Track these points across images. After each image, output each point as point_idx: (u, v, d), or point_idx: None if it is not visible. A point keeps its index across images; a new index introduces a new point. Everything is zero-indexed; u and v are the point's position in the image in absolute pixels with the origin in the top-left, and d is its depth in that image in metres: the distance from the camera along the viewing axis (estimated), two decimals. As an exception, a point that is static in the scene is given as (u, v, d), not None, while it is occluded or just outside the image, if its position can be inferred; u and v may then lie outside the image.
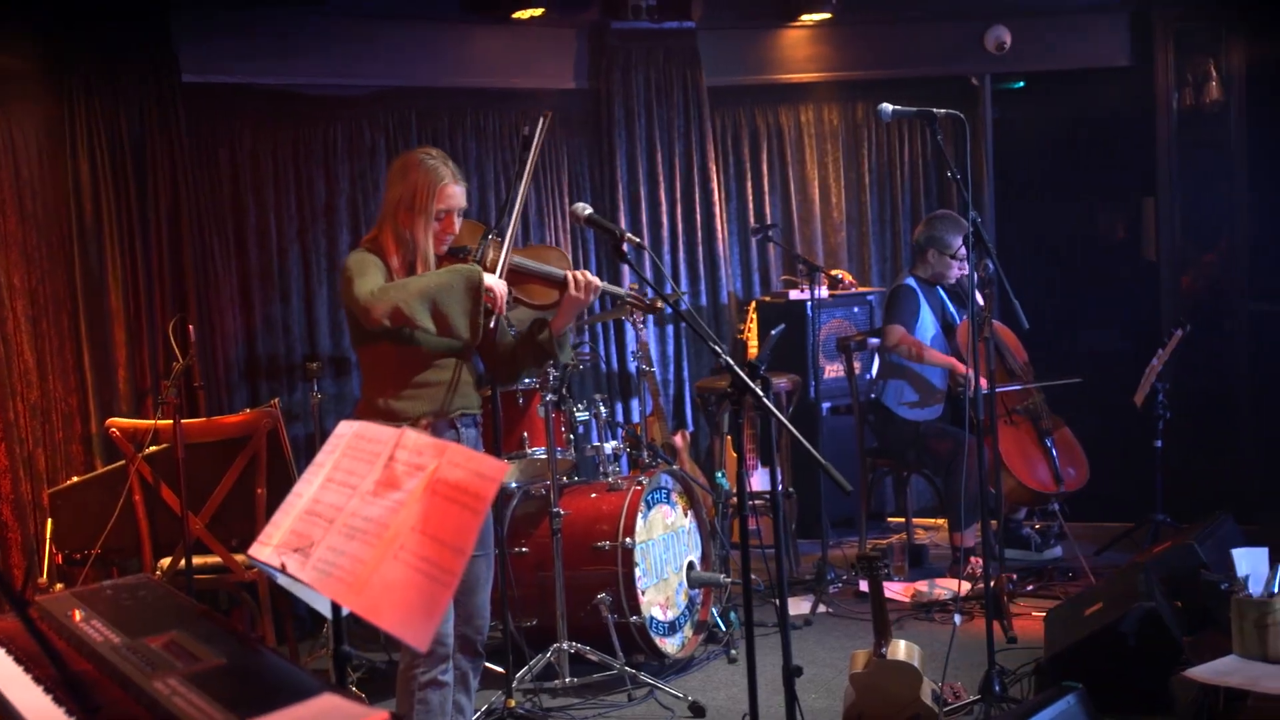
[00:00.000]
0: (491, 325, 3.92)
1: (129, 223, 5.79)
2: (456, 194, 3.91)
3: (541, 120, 4.26)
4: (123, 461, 5.14)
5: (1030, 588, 6.25)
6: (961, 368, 6.31)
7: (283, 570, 2.41)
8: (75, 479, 5.36)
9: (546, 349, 4.02)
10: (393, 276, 3.83)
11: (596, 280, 3.99)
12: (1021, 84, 8.39)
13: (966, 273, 6.05)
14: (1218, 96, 7.49)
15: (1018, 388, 6.57)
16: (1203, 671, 3.81)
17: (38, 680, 2.39)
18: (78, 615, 2.67)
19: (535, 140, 4.18)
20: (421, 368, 3.88)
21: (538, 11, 6.90)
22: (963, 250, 6.42)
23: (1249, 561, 4.21)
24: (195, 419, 5.29)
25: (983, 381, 5.19)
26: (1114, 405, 7.06)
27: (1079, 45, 7.87)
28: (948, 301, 6.70)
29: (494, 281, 3.84)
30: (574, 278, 3.97)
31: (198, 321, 5.86)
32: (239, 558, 5.12)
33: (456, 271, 3.80)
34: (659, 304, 3.91)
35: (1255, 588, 3.94)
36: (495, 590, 5.19)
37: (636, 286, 3.95)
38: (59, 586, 5.07)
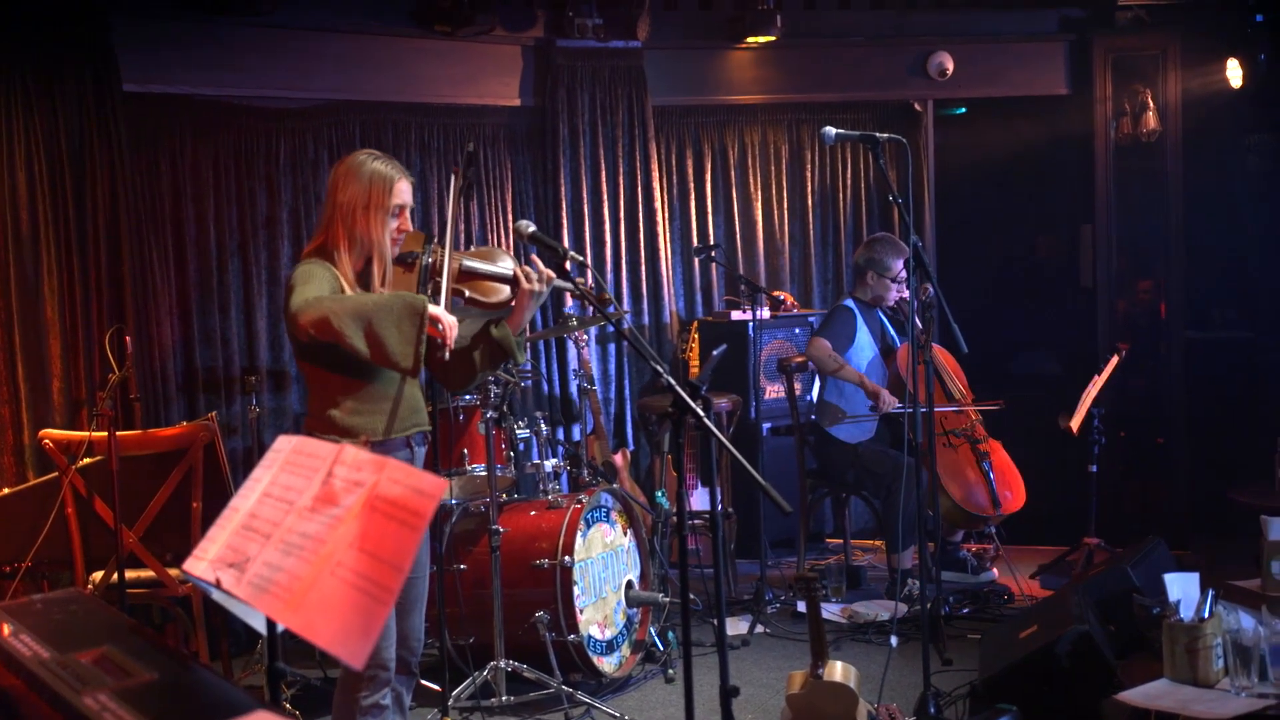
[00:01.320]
0: (444, 358, 3.86)
1: (66, 233, 5.73)
2: (407, 190, 3.90)
3: (453, 177, 4.27)
4: (55, 473, 5.07)
5: (966, 610, 6.29)
6: (872, 388, 6.36)
7: (217, 585, 2.38)
8: (6, 490, 5.29)
9: (505, 347, 3.98)
10: (345, 281, 3.79)
11: (548, 270, 3.98)
12: (963, 110, 8.47)
13: (905, 296, 6.11)
14: (1154, 126, 7.60)
15: (955, 408, 6.62)
16: (1134, 695, 3.84)
17: (-36, 695, 2.35)
18: (6, 629, 2.63)
19: (454, 193, 4.19)
20: (369, 383, 3.84)
21: (485, 28, 6.90)
22: (902, 273, 6.47)
23: (1180, 586, 4.26)
24: (131, 431, 5.23)
25: (889, 398, 5.21)
26: (1050, 429, 7.13)
27: (1019, 73, 7.97)
28: (887, 325, 6.75)
29: (442, 313, 3.74)
30: (524, 272, 3.95)
31: (135, 333, 5.80)
32: (173, 572, 5.07)
33: (396, 297, 3.71)
34: (605, 296, 3.90)
35: (1186, 612, 3.98)
36: (433, 607, 5.18)
37: (581, 284, 3.92)
38: (-12, 600, 5.00)
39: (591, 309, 6.81)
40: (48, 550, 5.07)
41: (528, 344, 7.26)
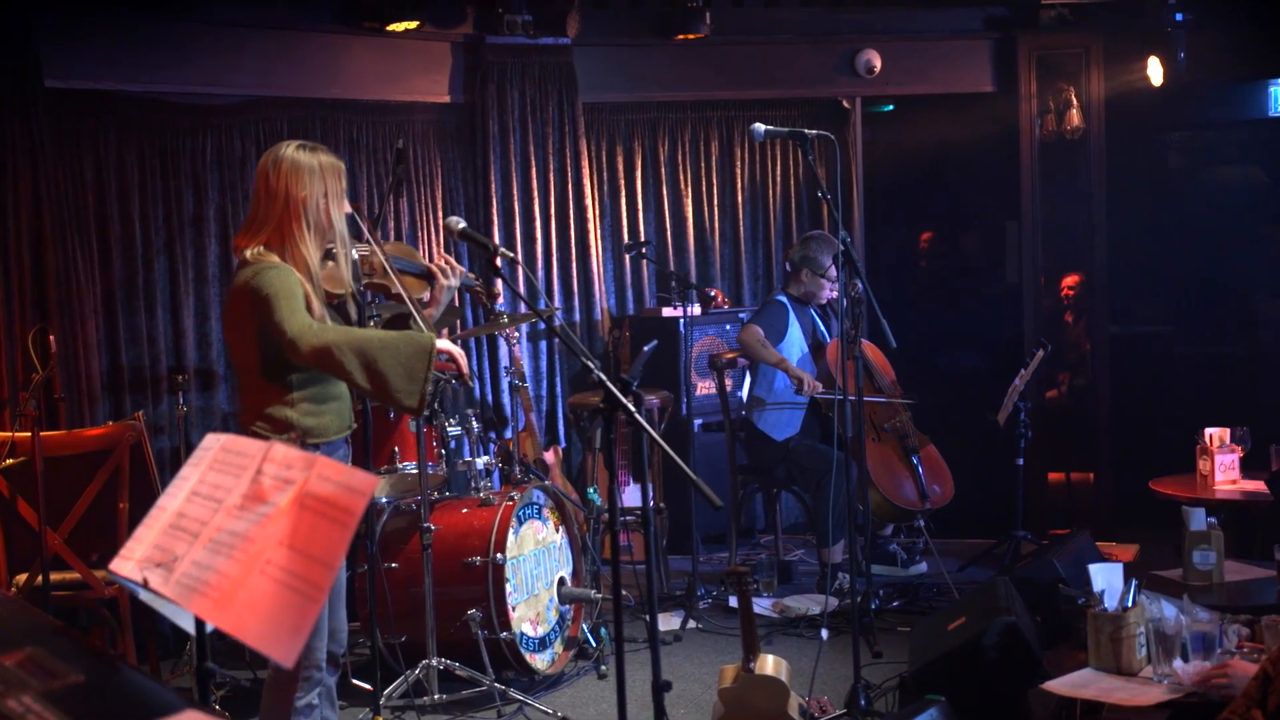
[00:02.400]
0: (469, 385, 3.91)
1: (-13, 230, 5.65)
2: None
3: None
4: (-23, 475, 5.00)
5: (897, 603, 6.35)
6: (796, 372, 6.39)
7: (145, 585, 2.36)
8: (-73, 492, 5.20)
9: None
10: (309, 284, 3.75)
11: (454, 262, 4.08)
12: (891, 107, 8.54)
13: (836, 294, 6.15)
14: (1078, 124, 7.71)
15: (884, 401, 6.68)
16: (1060, 684, 3.89)
17: (-115, 700, 2.31)
18: (-72, 633, 2.59)
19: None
20: (322, 384, 3.82)
21: (412, 24, 6.88)
22: (833, 270, 6.52)
23: (1105, 577, 4.31)
24: (55, 431, 5.16)
25: (844, 395, 5.26)
26: (978, 424, 7.21)
27: (946, 71, 8.04)
28: (818, 321, 6.80)
29: (450, 345, 3.79)
30: (442, 266, 4.02)
31: (59, 332, 5.71)
32: (99, 574, 5.01)
33: (407, 335, 3.71)
34: (496, 291, 3.94)
35: (1110, 602, 4.04)
36: (365, 606, 5.17)
37: (475, 276, 4.00)
38: (-92, 604, 4.91)
39: (523, 306, 6.80)
40: (-30, 553, 5.00)
41: (459, 341, 7.24)
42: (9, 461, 4.99)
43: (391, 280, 3.97)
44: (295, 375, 3.77)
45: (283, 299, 3.65)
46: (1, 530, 4.99)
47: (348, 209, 3.91)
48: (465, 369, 3.82)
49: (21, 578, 5.05)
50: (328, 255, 3.91)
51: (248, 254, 3.79)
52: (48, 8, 5.86)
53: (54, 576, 4.92)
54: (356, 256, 3.97)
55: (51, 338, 5.12)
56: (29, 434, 4.73)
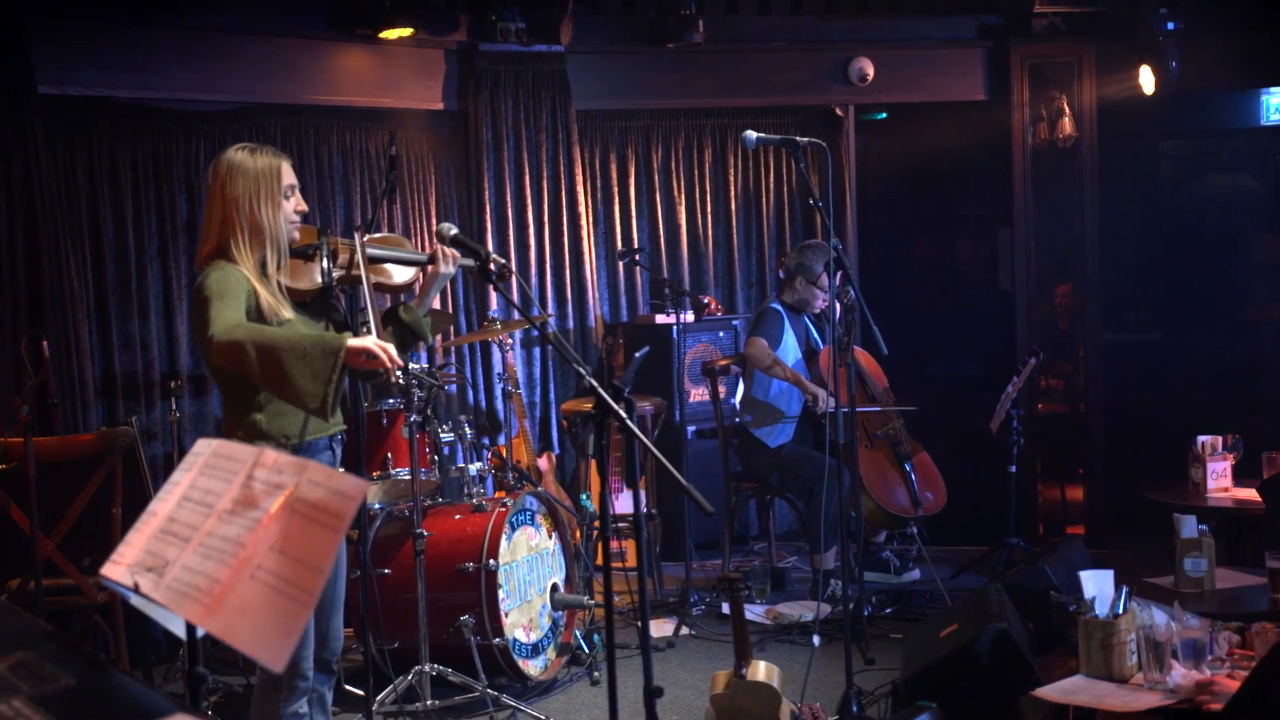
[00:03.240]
0: (396, 380, 3.85)
1: (-20, 236, 5.65)
2: (291, 171, 3.89)
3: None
4: (-30, 480, 4.99)
5: (889, 610, 6.35)
6: (811, 388, 6.41)
7: (136, 590, 2.36)
8: (-81, 498, 5.20)
9: (417, 330, 4.01)
10: (254, 282, 3.74)
11: (455, 252, 4.00)
12: (884, 115, 8.56)
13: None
14: (1071, 132, 7.73)
15: (876, 409, 6.69)
16: (1051, 690, 3.90)
17: (-125, 704, 2.31)
18: (-81, 637, 2.59)
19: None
20: None
21: (406, 31, 6.89)
22: (826, 279, 6.53)
23: (1096, 583, 4.32)
24: (49, 437, 5.16)
25: (835, 403, 5.27)
26: (970, 431, 7.22)
27: (939, 79, 8.06)
28: (811, 328, 6.80)
29: (370, 342, 3.61)
30: (442, 252, 3.97)
31: (52, 337, 5.71)
32: (92, 579, 5.00)
33: (316, 335, 3.67)
34: (491, 265, 3.87)
35: (1101, 609, 4.05)
36: (357, 612, 5.16)
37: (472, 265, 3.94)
38: (-100, 609, 4.90)
39: (516, 312, 6.80)
40: (-38, 558, 5.00)
41: (453, 349, 7.25)
42: (1, 467, 4.99)
43: (364, 274, 3.90)
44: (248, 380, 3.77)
45: (216, 299, 3.63)
46: (-6, 536, 4.99)
47: (299, 205, 3.87)
48: (390, 364, 3.72)
49: (14, 583, 5.04)
50: (298, 255, 3.90)
51: (197, 264, 3.84)
52: (41, 14, 5.86)
53: (47, 581, 4.91)
54: (326, 251, 3.91)
55: (45, 343, 5.12)
56: (21, 439, 4.73)
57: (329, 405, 3.53)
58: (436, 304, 4.36)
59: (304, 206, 3.90)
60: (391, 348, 3.66)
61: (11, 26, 5.71)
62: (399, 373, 4.01)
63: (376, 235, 4.17)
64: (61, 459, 4.99)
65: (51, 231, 5.92)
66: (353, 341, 3.58)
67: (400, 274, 4.04)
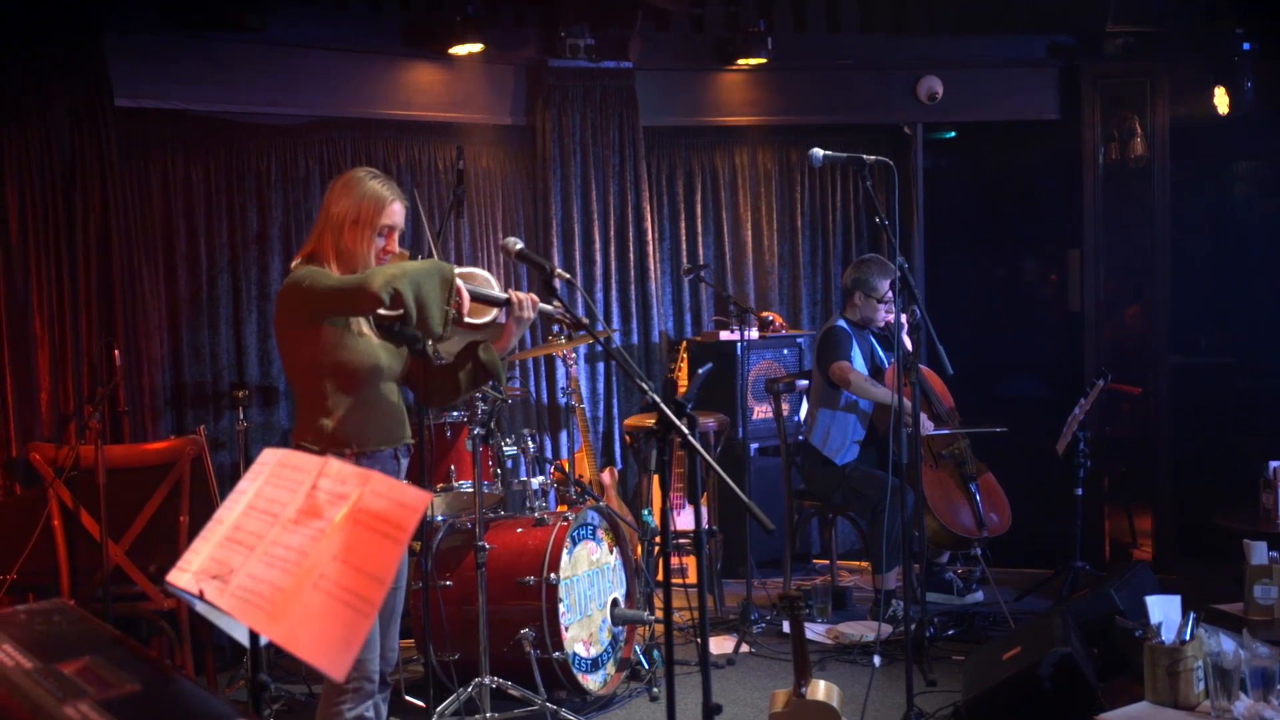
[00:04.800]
0: (460, 322, 3.88)
1: (55, 246, 5.73)
2: (399, 212, 3.92)
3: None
4: (42, 486, 5.08)
5: (951, 632, 6.30)
6: (911, 409, 6.36)
7: (201, 597, 2.39)
8: (-8, 502, 5.30)
9: (490, 370, 4.00)
10: None
11: (535, 297, 3.99)
12: (953, 134, 8.52)
13: (893, 318, 6.13)
14: (1142, 152, 7.65)
15: (945, 431, 6.64)
16: (1116, 717, 3.86)
17: (-54, 705, 2.35)
18: (-10, 639, 2.63)
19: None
20: (359, 394, 3.86)
21: (477, 48, 6.95)
22: (889, 295, 6.50)
23: (1162, 609, 4.28)
24: (118, 445, 5.23)
25: (926, 423, 5.23)
26: (1036, 453, 7.16)
27: (1009, 98, 8.01)
28: (876, 345, 6.77)
29: (462, 284, 3.80)
30: (518, 298, 3.95)
31: (124, 347, 5.80)
32: (159, 586, 5.07)
33: (433, 263, 3.77)
34: (585, 321, 3.88)
35: (1168, 635, 4.00)
36: (419, 623, 5.19)
37: (561, 306, 3.92)
38: (-28, 612, 4.98)
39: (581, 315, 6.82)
40: (34, 563, 5.07)
41: (517, 362, 7.28)
42: (73, 474, 5.07)
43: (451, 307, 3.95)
44: (329, 384, 3.81)
45: (320, 276, 3.75)
46: (64, 542, 5.06)
47: (390, 247, 3.92)
48: (465, 309, 3.81)
49: (83, 588, 5.12)
50: None
51: (292, 265, 3.91)
52: (118, 29, 5.96)
53: (114, 587, 4.99)
54: None
55: (116, 352, 5.21)
56: (93, 447, 4.81)
57: (448, 329, 3.72)
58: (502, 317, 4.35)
59: (394, 249, 3.94)
60: (469, 299, 3.79)
61: (90, 41, 5.81)
62: (435, 353, 4.02)
63: (462, 270, 4.18)
64: (131, 467, 5.07)
65: (125, 242, 6.01)
66: (457, 280, 3.75)
67: (483, 314, 3.99)
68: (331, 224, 3.89)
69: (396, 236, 3.95)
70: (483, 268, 7.18)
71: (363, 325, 3.85)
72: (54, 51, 5.69)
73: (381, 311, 3.69)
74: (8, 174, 5.60)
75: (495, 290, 4.03)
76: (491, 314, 4.04)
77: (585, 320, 3.81)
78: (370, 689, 3.85)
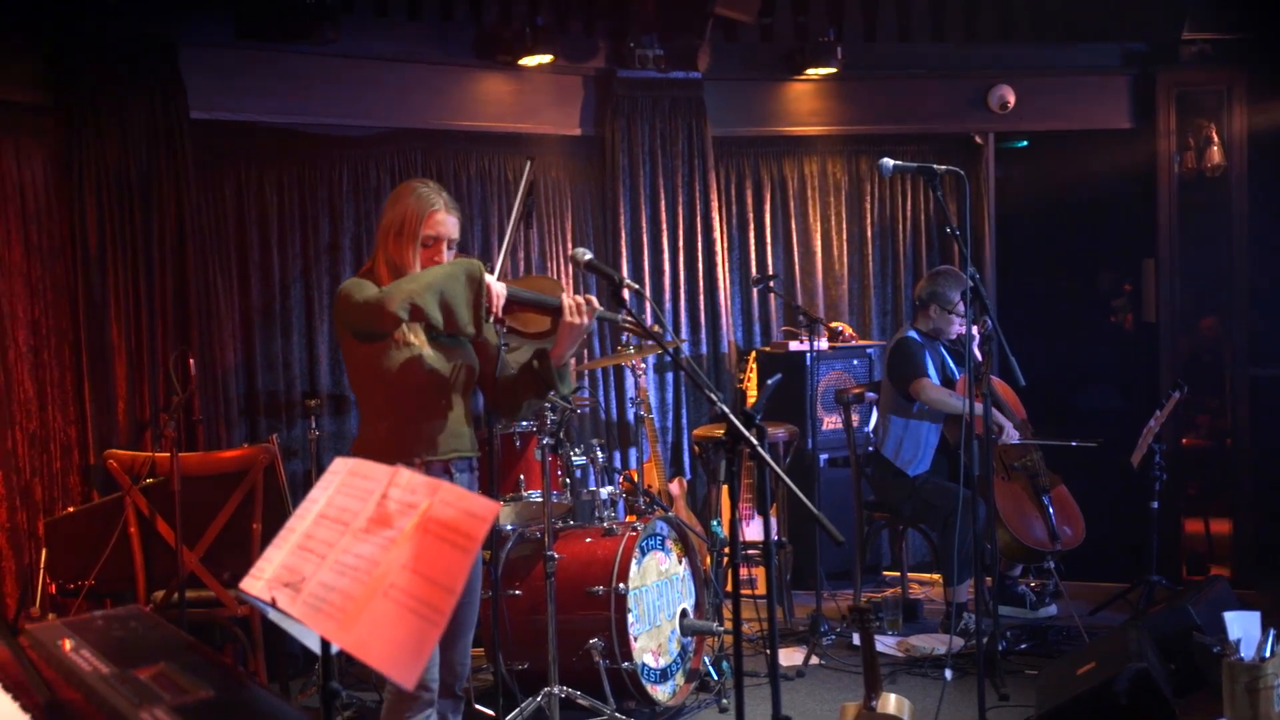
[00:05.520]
0: (492, 325, 3.91)
1: (132, 256, 5.82)
2: (446, 222, 3.91)
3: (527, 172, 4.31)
4: (119, 493, 5.15)
5: (1024, 645, 6.23)
6: (998, 418, 6.29)
7: (273, 605, 2.41)
8: (71, 509, 5.37)
9: (546, 379, 3.96)
10: None
11: (594, 300, 3.94)
12: (1025, 143, 8.45)
13: (964, 329, 6.08)
14: (1219, 161, 7.55)
15: (1030, 442, 6.56)
16: (1193, 733, 3.81)
17: (25, 709, 2.39)
18: (67, 645, 2.67)
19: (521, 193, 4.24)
20: (418, 405, 3.89)
21: (546, 59, 6.98)
22: (962, 306, 6.44)
23: (1241, 625, 4.21)
24: (193, 453, 5.30)
25: (1012, 432, 5.15)
26: (1111, 465, 7.07)
27: (1082, 106, 7.93)
28: (947, 357, 6.72)
29: (492, 281, 3.82)
30: (570, 304, 3.92)
31: (199, 356, 5.87)
32: (232, 593, 5.12)
33: (458, 263, 3.81)
34: (655, 328, 3.89)
35: (1247, 651, 3.94)
36: (488, 632, 5.21)
37: (630, 317, 3.90)
38: (51, 617, 5.06)
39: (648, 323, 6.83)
40: (110, 569, 5.14)
41: (586, 372, 7.30)
42: (148, 481, 5.14)
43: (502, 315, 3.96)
44: (382, 394, 3.85)
45: (355, 290, 3.81)
46: (140, 548, 5.13)
47: (439, 257, 3.92)
48: (497, 307, 3.83)
49: (159, 595, 5.19)
50: None
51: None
52: (194, 42, 6.04)
53: (190, 594, 5.04)
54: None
55: (191, 361, 5.27)
56: (168, 455, 4.87)
57: (481, 327, 3.81)
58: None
59: (441, 259, 3.93)
60: (504, 295, 3.85)
61: (166, 54, 5.90)
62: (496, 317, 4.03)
63: (526, 278, 4.21)
64: (205, 475, 5.12)
65: (200, 252, 6.09)
66: (487, 275, 3.82)
67: (535, 324, 3.98)
68: (380, 234, 3.93)
69: (445, 246, 3.92)
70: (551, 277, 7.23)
71: (410, 335, 3.86)
72: (132, 66, 5.78)
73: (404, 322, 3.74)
74: (87, 186, 5.69)
75: (552, 297, 3.98)
76: (545, 323, 4.00)
77: (654, 330, 3.80)
78: (429, 697, 3.87)
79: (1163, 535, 6.81)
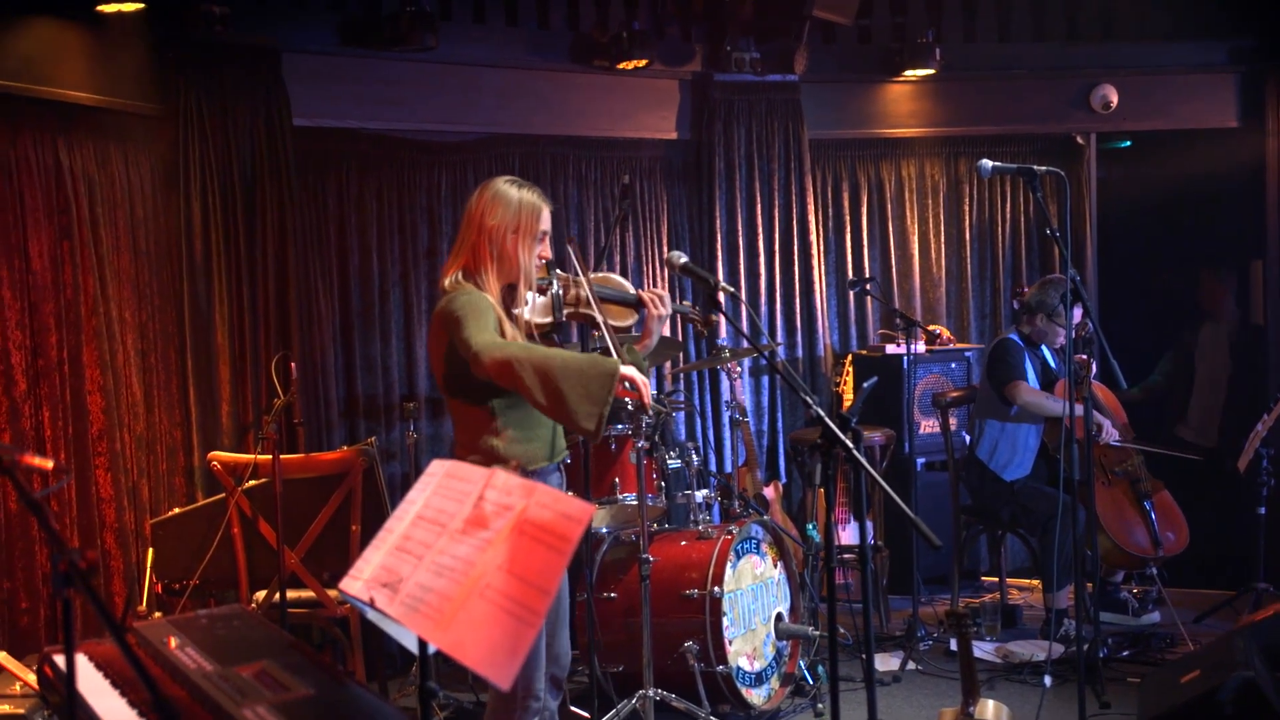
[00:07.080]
0: (648, 415, 3.93)
1: (237, 262, 5.92)
2: (549, 218, 4.00)
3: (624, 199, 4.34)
4: (223, 494, 5.24)
5: (1126, 653, 6.14)
6: (1096, 416, 6.20)
7: (371, 605, 2.44)
8: (176, 510, 5.48)
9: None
10: (498, 309, 3.86)
11: (665, 293, 4.08)
12: (1128, 143, 8.31)
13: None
14: (1329, 159, 7.38)
15: (1131, 446, 6.46)
16: (1301, 745, 3.72)
17: (132, 704, 2.45)
18: (173, 642, 2.73)
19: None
20: (525, 412, 3.90)
21: (642, 63, 7.00)
22: (1064, 311, 6.35)
23: (1352, 634, 4.11)
24: (294, 455, 5.38)
25: (1111, 430, 5.07)
26: (1217, 470, 6.93)
27: (1187, 105, 7.80)
28: (1049, 358, 6.63)
29: (634, 373, 3.75)
30: (651, 297, 4.03)
31: (300, 359, 5.95)
32: (332, 593, 5.19)
33: (590, 357, 3.78)
34: (714, 319, 3.91)
35: (1358, 661, 3.84)
36: (584, 635, 5.23)
37: (725, 320, 3.95)
38: (157, 615, 5.18)
39: (744, 340, 6.82)
40: (214, 569, 5.24)
41: (681, 375, 7.31)
42: (251, 483, 5.23)
43: (593, 310, 4.02)
44: (497, 402, 3.86)
45: (471, 318, 3.76)
46: (243, 548, 5.22)
47: (545, 252, 3.98)
48: (647, 398, 3.80)
49: (260, 595, 5.27)
50: (540, 290, 4.02)
51: (445, 283, 3.95)
52: (296, 50, 6.14)
53: (290, 594, 5.12)
54: (559, 289, 4.05)
55: (293, 365, 5.35)
56: (270, 457, 4.95)
57: (603, 425, 3.65)
58: (666, 330, 4.40)
59: (549, 254, 4.01)
60: (650, 386, 3.79)
61: (270, 62, 6.00)
62: (649, 410, 4.11)
63: (596, 275, 4.24)
64: (306, 476, 5.20)
65: (301, 257, 6.18)
66: (626, 369, 3.70)
67: (624, 317, 4.11)
68: (488, 235, 3.92)
69: (549, 241, 4.01)
70: (648, 282, 7.26)
71: (510, 334, 3.90)
72: (237, 74, 5.89)
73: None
74: (193, 192, 5.80)
75: (629, 292, 4.14)
76: (632, 317, 4.12)
77: (711, 319, 3.83)
78: (537, 706, 3.86)
79: (1270, 542, 6.66)
